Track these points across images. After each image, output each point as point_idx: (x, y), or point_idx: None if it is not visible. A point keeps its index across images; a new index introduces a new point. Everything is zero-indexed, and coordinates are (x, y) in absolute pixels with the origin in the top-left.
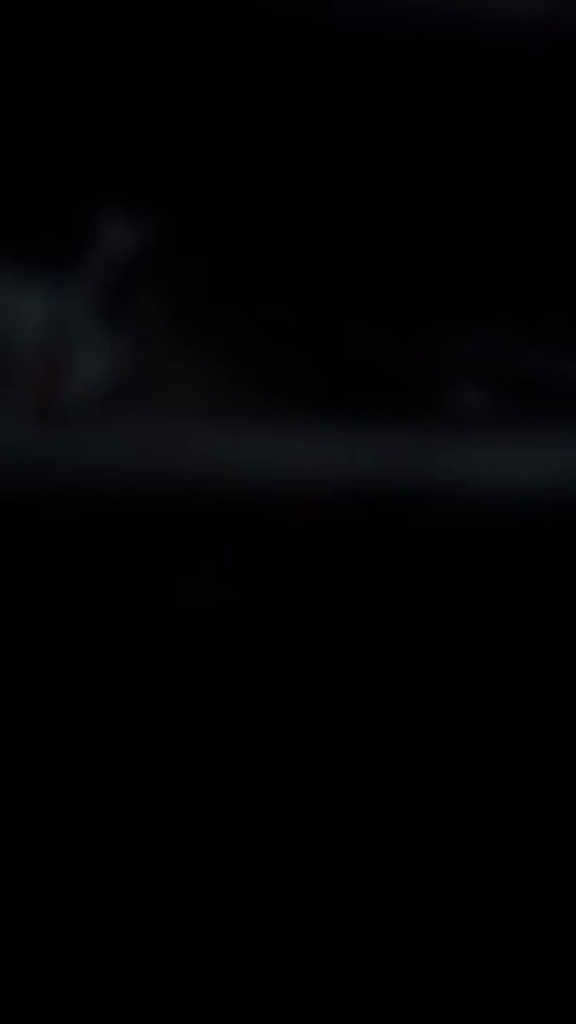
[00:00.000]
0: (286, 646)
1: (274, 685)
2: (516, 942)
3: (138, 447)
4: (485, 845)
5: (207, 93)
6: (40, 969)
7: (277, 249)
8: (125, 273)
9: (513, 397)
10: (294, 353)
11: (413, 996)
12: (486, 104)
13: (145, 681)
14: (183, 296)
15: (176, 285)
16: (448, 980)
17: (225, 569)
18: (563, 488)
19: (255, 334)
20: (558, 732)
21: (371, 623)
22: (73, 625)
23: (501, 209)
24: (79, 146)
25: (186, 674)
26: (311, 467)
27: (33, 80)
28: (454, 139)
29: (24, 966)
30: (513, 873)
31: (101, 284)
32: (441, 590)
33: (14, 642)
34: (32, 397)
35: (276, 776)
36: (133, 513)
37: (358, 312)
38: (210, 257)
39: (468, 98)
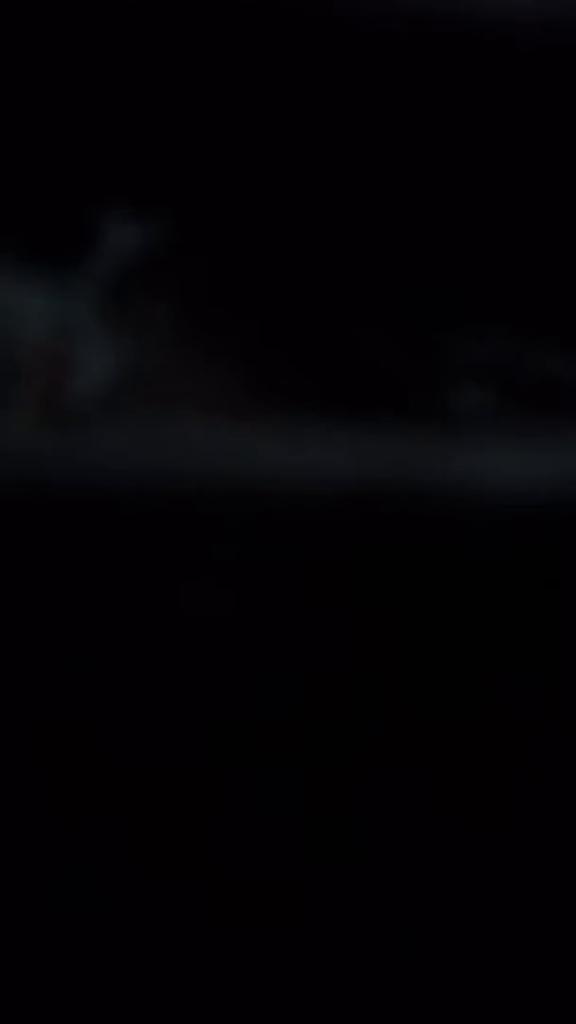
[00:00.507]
0: (289, 647)
1: (276, 685)
2: (516, 942)
3: (141, 447)
4: (486, 847)
5: (212, 95)
6: (40, 968)
7: (281, 250)
8: (129, 273)
9: (517, 400)
10: (297, 354)
11: (413, 996)
12: (492, 106)
13: (148, 680)
14: (187, 296)
15: (180, 286)
16: (448, 980)
17: (228, 569)
18: (567, 491)
19: (259, 335)
20: (561, 733)
21: (374, 625)
22: (74, 625)
23: (505, 211)
24: (83, 146)
25: (191, 673)
26: (314, 468)
27: (37, 79)
28: (458, 141)
29: (24, 966)
30: (515, 874)
31: (105, 284)
32: (444, 592)
33: (16, 642)
34: (36, 397)
35: (277, 776)
36: (136, 513)
37: (361, 314)
38: (215, 258)
39: (473, 100)
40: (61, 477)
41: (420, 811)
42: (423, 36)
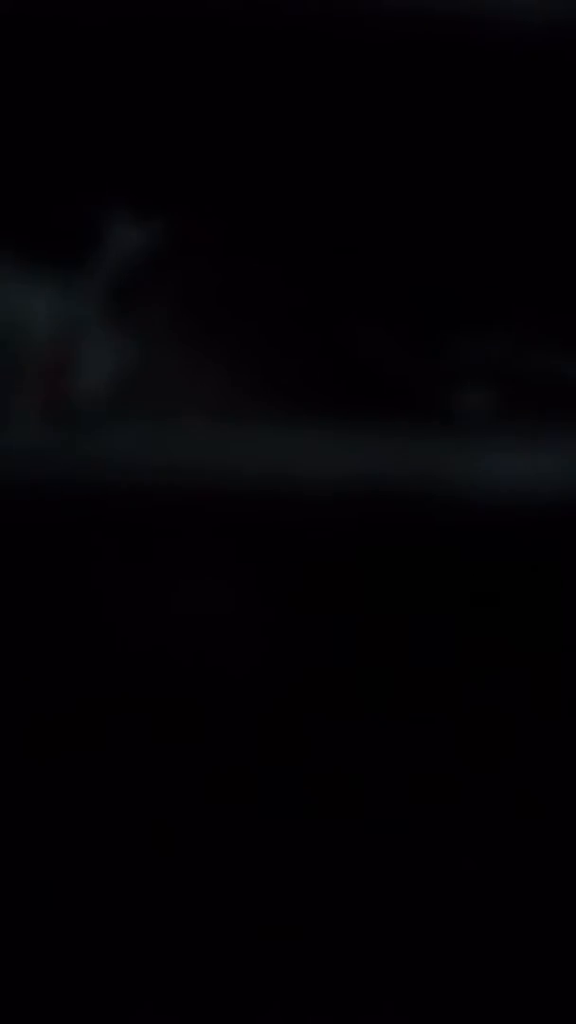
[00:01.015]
0: (291, 647)
1: (278, 685)
2: (517, 942)
3: (144, 447)
4: (486, 848)
5: (214, 97)
6: (39, 968)
7: (284, 251)
8: (133, 274)
9: (519, 401)
10: (300, 355)
11: (413, 996)
12: (495, 107)
13: (149, 679)
14: (190, 297)
15: (183, 286)
16: (448, 980)
17: (230, 569)
18: (570, 492)
19: (261, 336)
20: (564, 733)
21: (375, 626)
22: (76, 624)
23: (508, 212)
24: (87, 147)
25: (192, 672)
26: (316, 468)
27: (41, 79)
28: (462, 142)
29: (23, 965)
30: (515, 875)
31: (109, 284)
32: (446, 593)
33: (17, 641)
34: (39, 397)
35: (279, 778)
36: (138, 513)
37: (364, 315)
38: (217, 259)
39: (477, 102)
40: (64, 477)
41: (420, 812)
42: (425, 37)
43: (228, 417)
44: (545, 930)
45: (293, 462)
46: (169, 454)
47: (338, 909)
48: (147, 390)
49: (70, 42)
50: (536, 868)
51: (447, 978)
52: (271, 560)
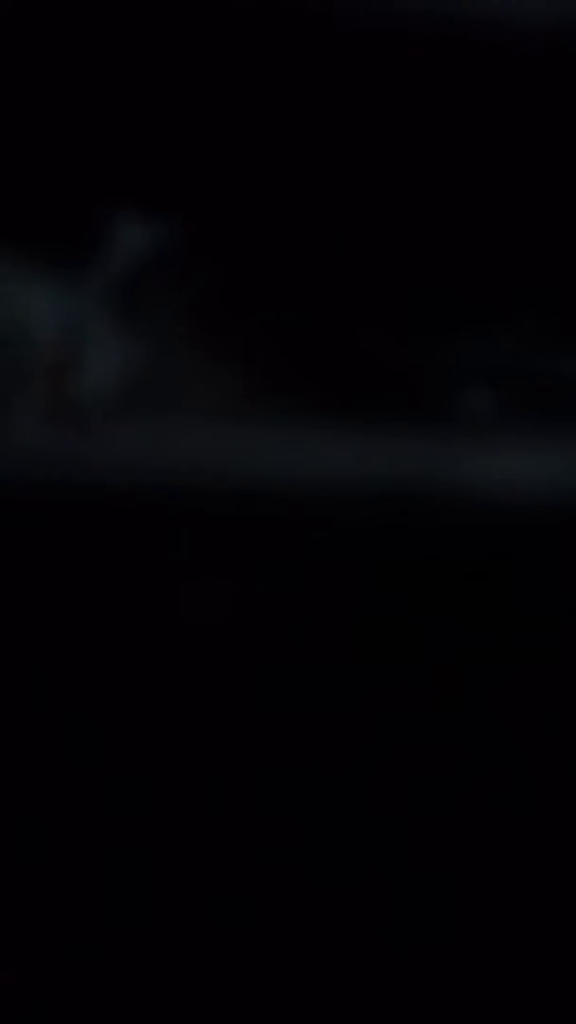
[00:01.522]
0: (295, 647)
1: (280, 685)
2: (517, 942)
3: (149, 448)
4: (488, 852)
5: (220, 98)
6: (39, 968)
7: (289, 253)
8: (138, 275)
9: (523, 401)
10: (305, 356)
11: (413, 996)
12: (499, 109)
13: (153, 678)
14: (196, 298)
15: (189, 287)
16: (448, 980)
17: (234, 569)
18: (572, 491)
19: (266, 337)
20: (566, 733)
21: (379, 626)
22: (80, 623)
23: (511, 214)
24: (93, 147)
25: (194, 672)
26: (320, 469)
27: (48, 78)
28: (465, 144)
29: (23, 965)
30: (515, 877)
31: (114, 285)
32: (449, 593)
33: (21, 641)
34: (44, 397)
35: (279, 778)
36: (143, 514)
37: (367, 316)
38: (224, 260)
39: (481, 104)
40: (69, 477)
41: (421, 813)
42: (430, 39)
43: (232, 417)
44: (545, 930)
45: (297, 462)
46: (173, 454)
47: (338, 910)
48: (151, 390)
49: (77, 43)
50: (536, 868)
51: (447, 978)
52: (275, 560)
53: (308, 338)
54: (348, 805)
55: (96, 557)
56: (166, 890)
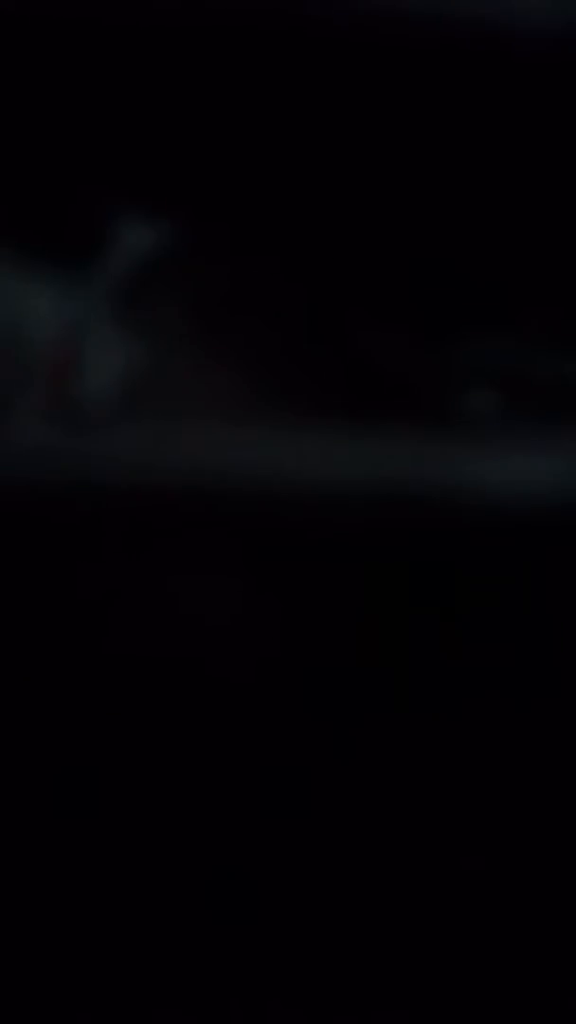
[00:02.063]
0: (298, 647)
1: (282, 685)
2: (517, 943)
3: (151, 448)
4: (488, 853)
5: (223, 99)
6: (39, 968)
7: (292, 254)
8: (141, 275)
9: (525, 403)
10: (307, 357)
11: (413, 997)
12: (503, 112)
13: (157, 678)
14: (198, 298)
15: (191, 288)
16: (448, 980)
17: (236, 569)
18: (575, 492)
19: (269, 337)
20: (567, 734)
21: (380, 627)
22: (81, 623)
23: (514, 216)
24: (97, 147)
25: (199, 672)
26: (322, 470)
27: (50, 80)
28: (468, 145)
29: (23, 966)
30: (515, 880)
31: (117, 285)
32: (452, 594)
33: (23, 641)
34: (46, 396)
35: (279, 778)
36: (144, 513)
37: (371, 318)
38: (226, 261)
39: (483, 106)
40: (70, 476)
41: (421, 814)
42: (432, 42)
43: (233, 418)
44: (545, 930)
45: (298, 462)
46: (174, 454)
47: (338, 910)
48: (153, 391)
49: (80, 44)
50: (536, 869)
51: (447, 978)
52: (276, 560)
53: (310, 339)
54: (348, 805)
55: (97, 556)
56: (166, 891)
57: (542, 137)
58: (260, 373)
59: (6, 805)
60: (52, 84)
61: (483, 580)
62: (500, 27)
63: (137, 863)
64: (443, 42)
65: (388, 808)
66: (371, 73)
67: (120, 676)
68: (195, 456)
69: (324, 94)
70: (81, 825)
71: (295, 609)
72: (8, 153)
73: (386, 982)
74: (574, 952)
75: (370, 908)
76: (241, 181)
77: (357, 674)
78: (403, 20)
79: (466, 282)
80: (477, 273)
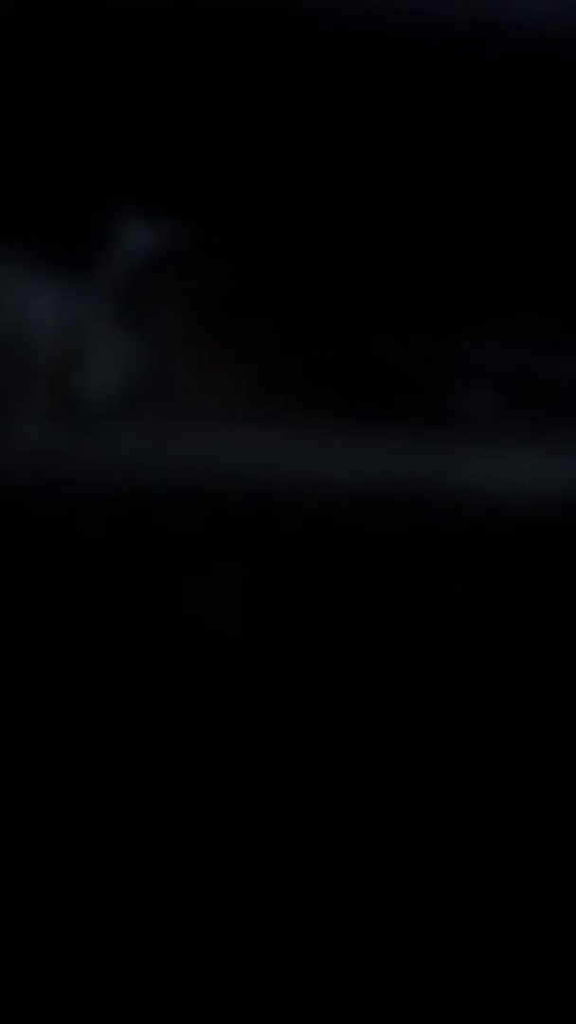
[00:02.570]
0: (297, 649)
1: (281, 688)
2: (517, 943)
3: (153, 449)
4: (489, 855)
5: (225, 98)
6: (39, 968)
7: (294, 253)
8: (143, 274)
9: (528, 404)
10: (309, 357)
11: (413, 997)
12: (504, 112)
13: (158, 681)
14: (200, 298)
15: (193, 287)
16: (448, 980)
17: (238, 571)
18: None
19: (271, 338)
20: (566, 735)
21: (383, 629)
22: (82, 625)
23: (515, 215)
24: (98, 146)
25: (200, 674)
26: (324, 471)
27: (51, 79)
28: (471, 146)
29: (23, 966)
30: (515, 882)
31: (119, 285)
32: (454, 596)
33: (25, 642)
34: (47, 397)
35: (281, 780)
36: (146, 515)
37: (373, 317)
38: (228, 260)
39: (485, 107)
40: (71, 477)
41: (422, 815)
42: (431, 40)
43: (235, 418)
44: (545, 930)
45: (300, 463)
46: (176, 455)
47: (339, 911)
48: (154, 391)
49: (82, 42)
50: (536, 870)
51: (447, 978)
52: (278, 561)
53: (311, 339)
54: (349, 806)
55: (98, 557)
56: (166, 893)
57: (543, 137)
58: (262, 373)
59: (5, 806)
60: (53, 84)
61: (484, 580)
62: (500, 27)
63: (137, 864)
64: (443, 42)
65: (389, 809)
66: (372, 73)
67: (122, 676)
68: (196, 456)
69: (325, 94)
70: (81, 826)
71: (296, 609)
72: (9, 153)
73: (386, 982)
74: (574, 952)
75: (370, 908)
76: (243, 181)
77: (357, 674)
78: (404, 20)
79: (467, 282)
80: (478, 273)
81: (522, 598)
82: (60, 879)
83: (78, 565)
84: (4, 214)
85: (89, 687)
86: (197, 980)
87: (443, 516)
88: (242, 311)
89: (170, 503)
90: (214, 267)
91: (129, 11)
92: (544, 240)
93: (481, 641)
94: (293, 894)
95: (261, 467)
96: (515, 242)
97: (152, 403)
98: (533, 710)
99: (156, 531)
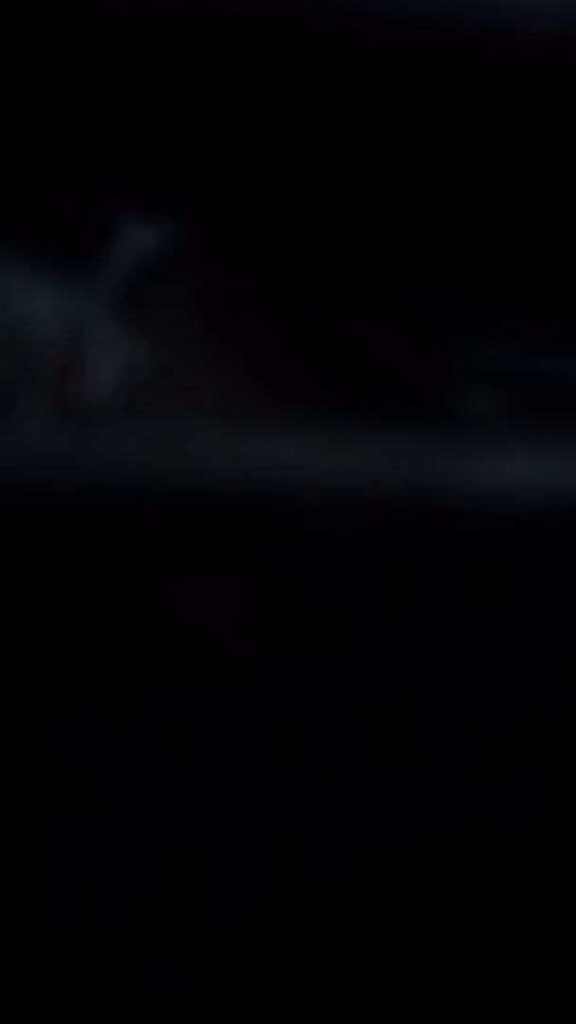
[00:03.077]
0: (299, 649)
1: (282, 686)
2: (517, 943)
3: (154, 449)
4: (489, 855)
5: (227, 100)
6: (39, 968)
7: (296, 254)
8: (144, 275)
9: (529, 403)
10: (311, 357)
11: (413, 997)
12: (502, 112)
13: (161, 679)
14: (201, 299)
15: (195, 288)
16: (448, 980)
17: (240, 570)
18: None
19: (272, 338)
20: (567, 735)
21: (383, 628)
22: (84, 625)
23: (517, 216)
24: (100, 147)
25: (203, 672)
26: (326, 470)
27: (53, 79)
28: (473, 147)
29: (23, 966)
30: (517, 878)
31: (120, 285)
32: (455, 595)
33: (27, 642)
34: (48, 398)
35: (281, 780)
36: (147, 514)
37: (374, 318)
38: (230, 261)
39: (486, 108)
40: (73, 477)
41: (422, 815)
42: (433, 42)
43: (236, 418)
44: (545, 930)
45: (301, 463)
46: (177, 454)
47: (339, 911)
48: (155, 391)
49: (84, 43)
50: (536, 871)
51: (447, 978)
52: (279, 560)
53: (313, 339)
54: (349, 806)
55: (100, 556)
56: (166, 892)
57: (543, 138)
58: (263, 373)
59: (6, 806)
60: (54, 84)
61: (485, 580)
62: (500, 27)
63: (137, 864)
64: (444, 43)
65: (389, 808)
66: (373, 74)
67: (122, 674)
68: (197, 456)
69: (327, 95)
70: (81, 826)
71: (298, 609)
72: (11, 153)
73: (386, 982)
74: (574, 952)
75: (371, 909)
76: (244, 181)
77: (357, 674)
78: (404, 20)
79: (468, 283)
80: (479, 274)
81: (522, 597)
82: (60, 879)
83: (78, 564)
84: (6, 214)
85: (90, 685)
86: (198, 980)
87: (443, 516)
88: (243, 311)
89: (171, 501)
90: (215, 267)
91: (130, 11)
92: (544, 240)
93: (481, 640)
94: (293, 893)
95: (261, 467)
96: (515, 243)
97: (153, 403)
98: (533, 709)
99: (156, 531)
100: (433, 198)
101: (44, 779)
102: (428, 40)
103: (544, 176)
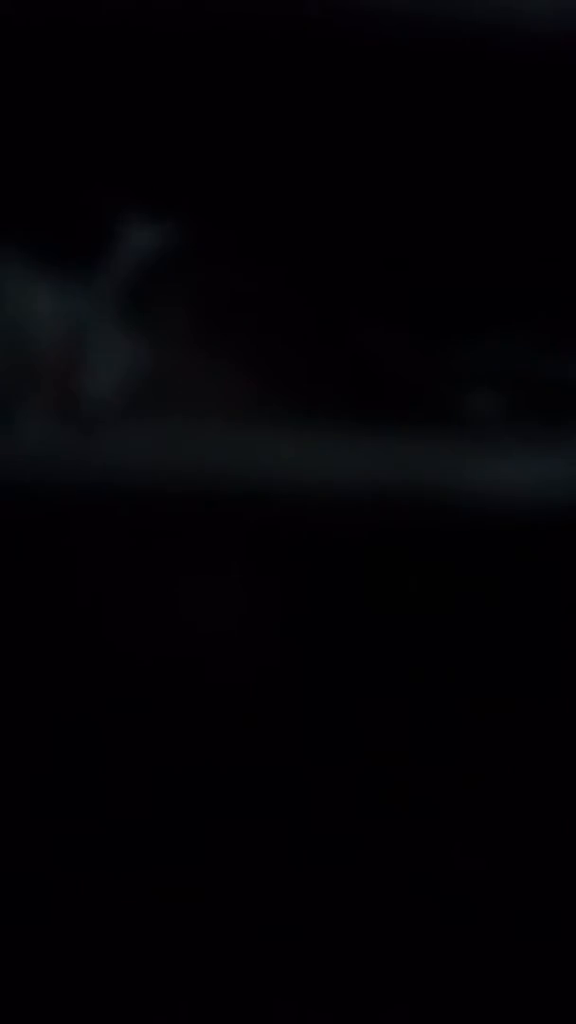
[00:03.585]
0: (298, 649)
1: (282, 687)
2: (517, 943)
3: (155, 449)
4: (489, 855)
5: (228, 99)
6: (39, 968)
7: (296, 254)
8: (145, 275)
9: (528, 404)
10: (311, 358)
11: (413, 997)
12: (502, 112)
13: (161, 680)
14: (202, 299)
15: (196, 288)
16: (448, 980)
17: (240, 571)
18: None
19: (273, 338)
20: (567, 738)
21: (382, 628)
22: (85, 625)
23: (517, 216)
24: (101, 147)
25: (203, 674)
26: (326, 471)
27: (55, 79)
28: (474, 148)
29: (23, 966)
30: (517, 878)
31: (121, 285)
32: (454, 596)
33: (28, 642)
34: (50, 398)
35: (281, 780)
36: (148, 515)
37: (373, 318)
38: (230, 261)
39: (486, 109)
40: (74, 478)
41: (422, 815)
42: (433, 42)
43: (237, 419)
44: (545, 930)
45: (301, 464)
46: (178, 455)
47: (339, 911)
48: (157, 391)
49: (85, 43)
50: (536, 871)
51: (447, 978)
52: (279, 561)
53: (313, 340)
54: (349, 806)
55: (100, 557)
56: (166, 892)
57: (544, 139)
58: (264, 373)
59: (5, 806)
60: (56, 84)
61: (485, 581)
62: (500, 27)
63: (137, 864)
64: (445, 43)
65: (389, 809)
66: (373, 74)
67: (122, 675)
68: (198, 456)
69: (326, 96)
70: (81, 826)
71: (297, 610)
72: (12, 153)
73: (386, 982)
74: (574, 952)
75: (370, 909)
76: (245, 182)
77: (357, 673)
78: (404, 20)
79: (469, 283)
80: (480, 274)
81: (522, 597)
82: (60, 879)
83: (79, 564)
84: (7, 214)
85: (90, 685)
86: (199, 980)
87: (443, 516)
88: (244, 312)
89: (170, 503)
90: (216, 268)
91: (131, 12)
92: (544, 241)
93: (481, 640)
94: (293, 893)
95: (261, 467)
96: (515, 243)
97: (154, 403)
98: (534, 708)
99: (157, 531)
100: (433, 198)
101: (45, 778)
102: (428, 40)
103: (544, 176)
